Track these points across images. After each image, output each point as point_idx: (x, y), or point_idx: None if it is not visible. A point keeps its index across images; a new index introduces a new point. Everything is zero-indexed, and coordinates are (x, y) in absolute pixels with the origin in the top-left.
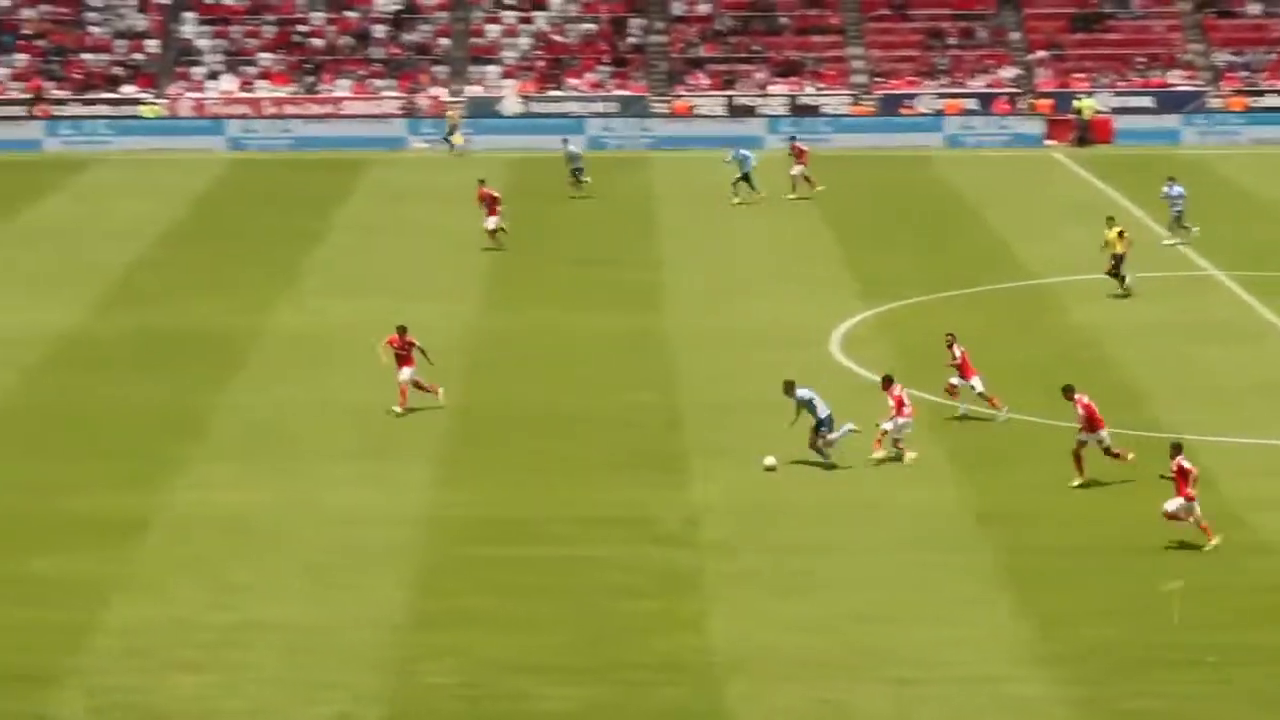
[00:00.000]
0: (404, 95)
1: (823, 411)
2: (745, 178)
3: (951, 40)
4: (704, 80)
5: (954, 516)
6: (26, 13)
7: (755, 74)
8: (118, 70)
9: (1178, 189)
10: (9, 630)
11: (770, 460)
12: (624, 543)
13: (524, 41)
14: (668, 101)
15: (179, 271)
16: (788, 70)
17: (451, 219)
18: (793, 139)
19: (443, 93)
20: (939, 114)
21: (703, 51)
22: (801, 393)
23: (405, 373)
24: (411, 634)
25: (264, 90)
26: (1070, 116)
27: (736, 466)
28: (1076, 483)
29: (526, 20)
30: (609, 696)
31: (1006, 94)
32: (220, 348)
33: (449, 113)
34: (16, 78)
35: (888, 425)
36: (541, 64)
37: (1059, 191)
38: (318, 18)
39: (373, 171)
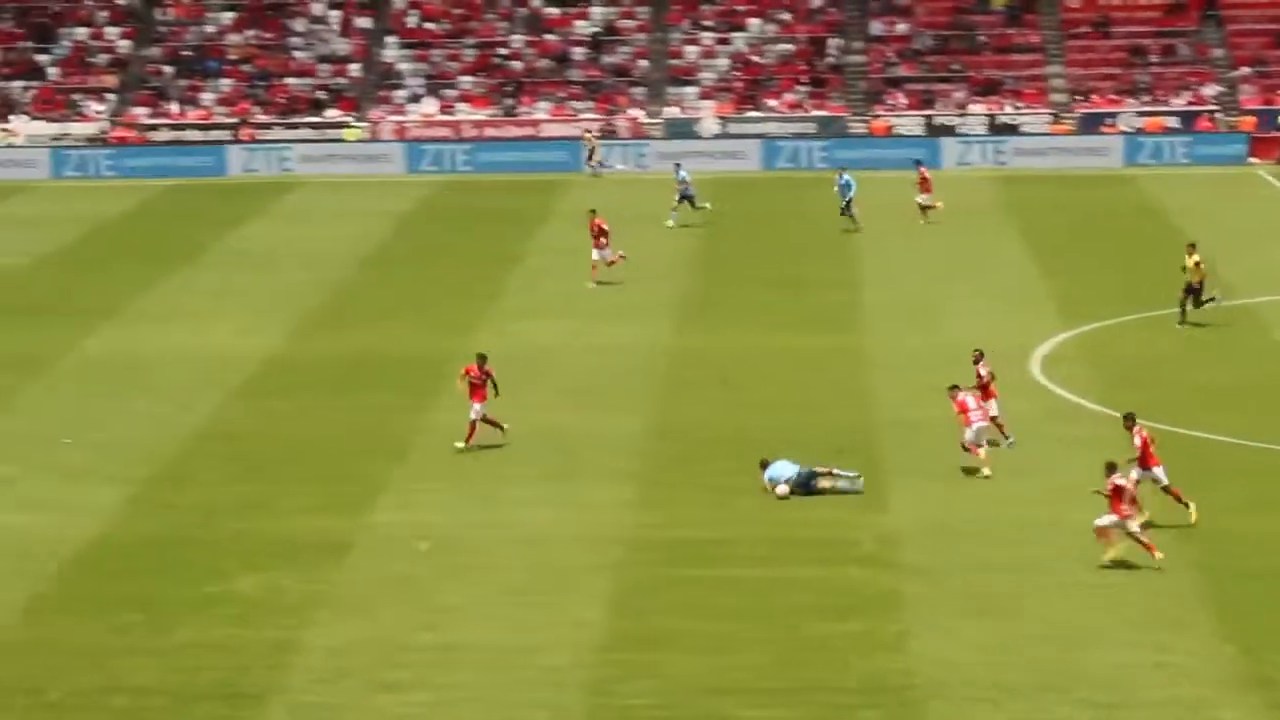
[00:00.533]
0: (602, 117)
1: (786, 473)
2: (848, 205)
3: (1153, 57)
4: (902, 100)
5: (1151, 538)
6: (232, 38)
7: (954, 93)
8: (320, 94)
9: None
10: (215, 649)
11: (783, 489)
12: (821, 564)
13: (722, 62)
14: (866, 121)
15: (380, 294)
16: (987, 89)
17: (648, 241)
18: (918, 164)
19: (640, 114)
20: (1139, 132)
21: (901, 71)
22: (771, 473)
23: (476, 408)
24: (610, 654)
25: (464, 113)
26: (1276, 134)
27: (933, 487)
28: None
29: (724, 41)
30: (807, 719)
31: (1208, 111)
32: (421, 370)
33: (586, 134)
34: (222, 102)
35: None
36: (739, 85)
37: (1263, 210)
38: (518, 40)
39: (570, 194)
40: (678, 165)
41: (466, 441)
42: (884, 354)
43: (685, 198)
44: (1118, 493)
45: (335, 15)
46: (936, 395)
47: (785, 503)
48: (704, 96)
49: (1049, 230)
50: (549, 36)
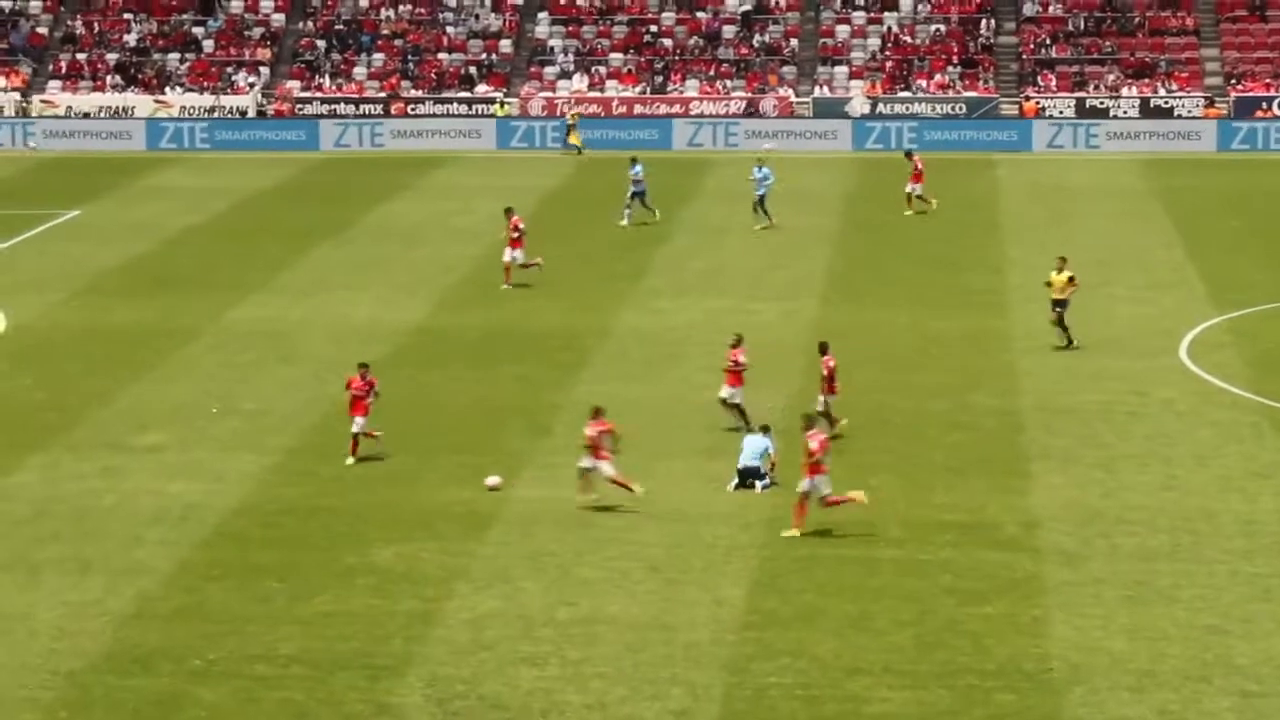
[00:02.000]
0: (751, 95)
1: (742, 461)
2: (761, 200)
3: None
4: (1054, 82)
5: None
6: (385, 13)
7: (1107, 75)
8: (471, 70)
9: None
10: (354, 618)
11: (493, 480)
12: (963, 546)
13: (873, 42)
14: (1017, 103)
15: (523, 270)
16: (1140, 72)
17: (792, 219)
18: (909, 154)
19: (790, 93)
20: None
21: (1054, 52)
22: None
23: (358, 421)
24: (750, 632)
25: (613, 90)
26: None
27: (1077, 472)
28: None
29: (876, 21)
30: (946, 701)
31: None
32: (565, 346)
33: (571, 113)
34: (373, 77)
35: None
36: (890, 64)
37: None
38: (668, 18)
39: (715, 171)
40: (633, 160)
41: (352, 456)
42: (1031, 337)
43: (637, 194)
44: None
45: None
46: (1084, 380)
47: (929, 485)
48: (854, 76)
49: (1199, 215)
50: (700, 14)
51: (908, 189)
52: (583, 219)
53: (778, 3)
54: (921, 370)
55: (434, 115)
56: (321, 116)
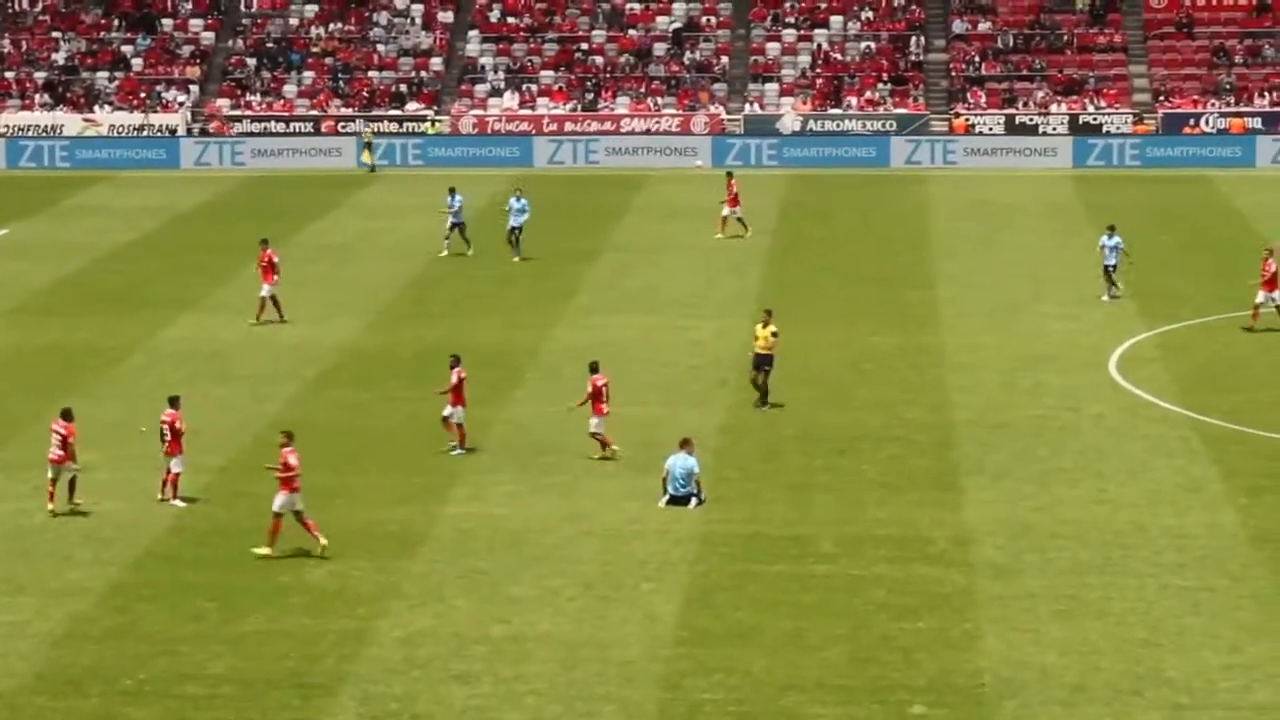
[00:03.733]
0: (683, 112)
1: (672, 490)
2: (457, 227)
3: (1237, 58)
4: (983, 98)
5: (1229, 539)
6: (316, 31)
7: (1036, 92)
8: (402, 88)
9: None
10: (287, 637)
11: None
12: (895, 562)
13: (803, 59)
14: (947, 120)
15: (457, 288)
16: (1068, 89)
17: (723, 234)
18: (730, 175)
19: (721, 110)
20: (1223, 133)
21: (983, 69)
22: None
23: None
24: (683, 649)
25: (544, 107)
26: None
27: (1010, 486)
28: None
29: (806, 38)
30: (879, 716)
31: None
32: (498, 364)
33: (365, 131)
34: (303, 95)
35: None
36: (820, 82)
37: None
38: (599, 36)
39: (649, 189)
40: (451, 190)
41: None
42: (962, 352)
43: (455, 225)
44: (287, 469)
45: (418, 9)
46: (1016, 396)
47: (862, 501)
48: (785, 93)
49: (1130, 230)
50: (631, 32)
51: (724, 212)
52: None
53: (709, 20)
54: (855, 386)
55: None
56: (250, 135)
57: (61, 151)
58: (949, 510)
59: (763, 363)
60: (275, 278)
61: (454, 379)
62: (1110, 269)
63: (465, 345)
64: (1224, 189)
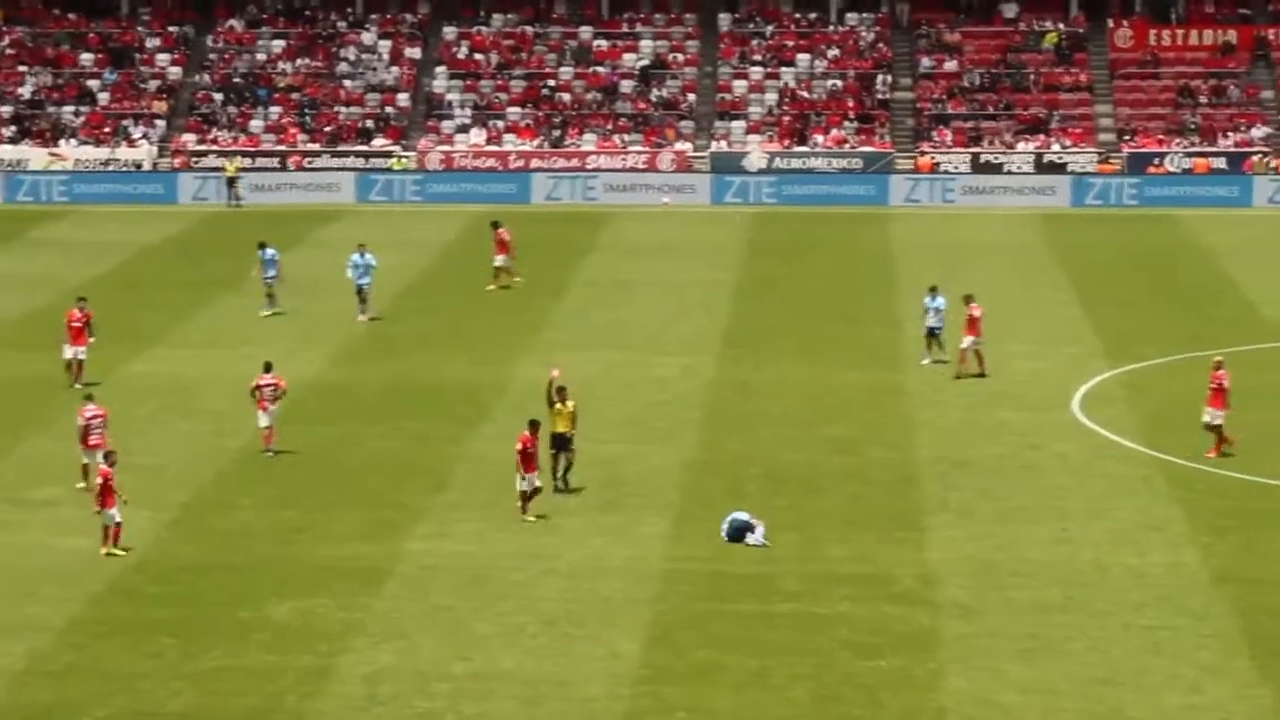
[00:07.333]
0: (649, 149)
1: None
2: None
3: (1202, 98)
4: (949, 137)
5: (1191, 579)
6: (283, 66)
7: (1002, 131)
8: (369, 123)
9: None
10: (249, 674)
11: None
12: (859, 600)
13: (770, 97)
14: (913, 158)
15: (424, 324)
16: (1034, 127)
17: (692, 273)
18: (495, 225)
19: (688, 148)
20: (1187, 173)
21: (949, 108)
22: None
23: (95, 456)
24: (645, 687)
25: (511, 144)
26: None
27: (973, 525)
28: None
29: (773, 76)
30: None
31: (1259, 153)
32: (463, 400)
33: (228, 165)
34: (270, 130)
35: None
36: (787, 120)
37: None
38: (566, 73)
39: (614, 225)
40: (262, 244)
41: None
42: (927, 391)
43: (269, 280)
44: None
45: (385, 45)
46: (980, 434)
47: (826, 539)
48: (751, 131)
49: (1094, 270)
50: (598, 69)
51: (495, 262)
52: (479, 273)
53: (675, 58)
54: (819, 424)
55: (331, 169)
56: (216, 171)
57: (28, 185)
58: (912, 549)
59: (563, 444)
60: (89, 339)
61: None
62: (933, 331)
63: (432, 381)
64: (1191, 228)
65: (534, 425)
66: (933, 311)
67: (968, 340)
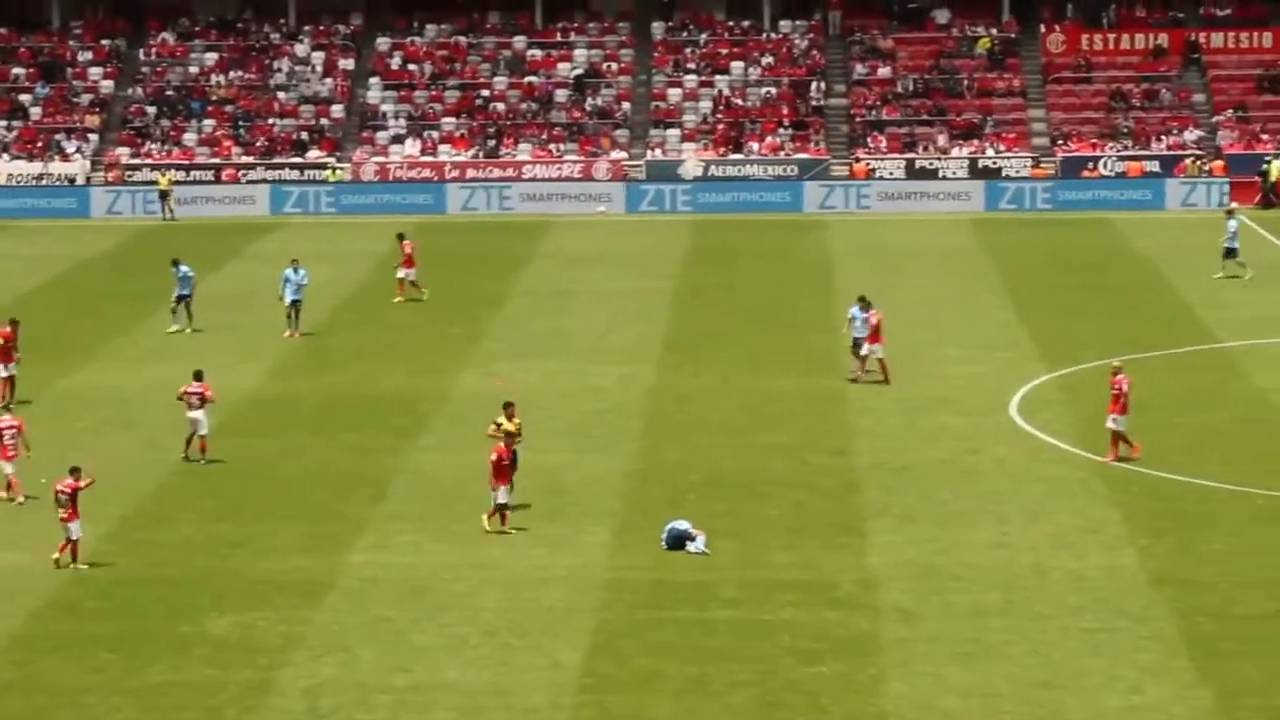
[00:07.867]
0: (585, 158)
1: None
2: (181, 300)
3: (1135, 102)
4: (884, 143)
5: (1129, 581)
6: (216, 79)
7: (936, 136)
8: (303, 135)
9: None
10: (190, 689)
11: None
12: (800, 606)
13: (704, 105)
14: (848, 164)
15: (360, 335)
16: (968, 133)
17: (631, 282)
18: (401, 238)
19: (624, 156)
20: (1120, 176)
21: (884, 114)
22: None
23: (7, 466)
24: (587, 695)
25: (446, 154)
26: (1257, 179)
27: (913, 529)
28: None
29: (708, 84)
30: None
31: (1191, 156)
32: (402, 411)
33: (160, 178)
34: (204, 143)
35: None
36: (722, 128)
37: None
38: (500, 83)
39: (552, 235)
40: (175, 262)
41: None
42: (866, 396)
43: (182, 298)
44: None
45: (318, 57)
46: (919, 439)
47: (767, 545)
48: (686, 139)
49: (1029, 274)
50: (532, 78)
51: (399, 274)
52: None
53: (610, 66)
54: (759, 430)
55: (265, 181)
56: (149, 185)
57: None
58: (853, 554)
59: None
60: (16, 357)
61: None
62: (859, 342)
63: (370, 392)
64: (1124, 231)
65: (510, 437)
66: (860, 322)
67: (868, 348)
